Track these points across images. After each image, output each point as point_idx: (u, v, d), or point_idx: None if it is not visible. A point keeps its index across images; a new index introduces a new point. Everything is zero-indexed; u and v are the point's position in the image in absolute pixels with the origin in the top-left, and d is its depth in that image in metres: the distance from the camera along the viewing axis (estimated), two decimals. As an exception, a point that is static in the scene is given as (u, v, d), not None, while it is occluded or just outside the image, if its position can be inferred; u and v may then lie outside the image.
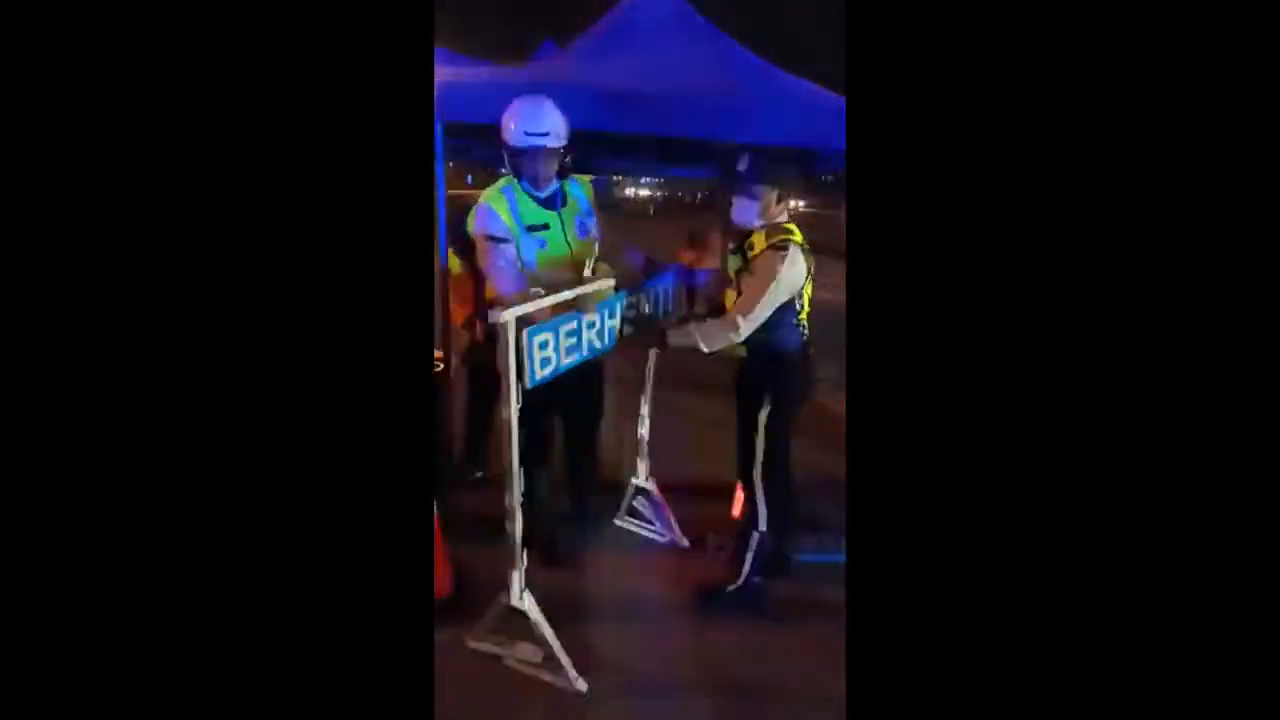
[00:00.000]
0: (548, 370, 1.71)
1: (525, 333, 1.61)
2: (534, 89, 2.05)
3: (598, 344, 1.89)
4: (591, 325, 1.85)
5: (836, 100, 2.74)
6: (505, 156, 2.00)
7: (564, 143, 1.98)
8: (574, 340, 1.80)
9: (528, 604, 1.76)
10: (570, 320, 1.77)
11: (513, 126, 1.93)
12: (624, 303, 1.99)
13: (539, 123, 1.93)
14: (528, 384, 1.64)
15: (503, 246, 1.97)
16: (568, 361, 1.78)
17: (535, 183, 2.01)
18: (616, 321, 1.96)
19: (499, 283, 1.97)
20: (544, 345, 1.69)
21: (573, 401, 2.24)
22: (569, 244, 2.07)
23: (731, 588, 2.10)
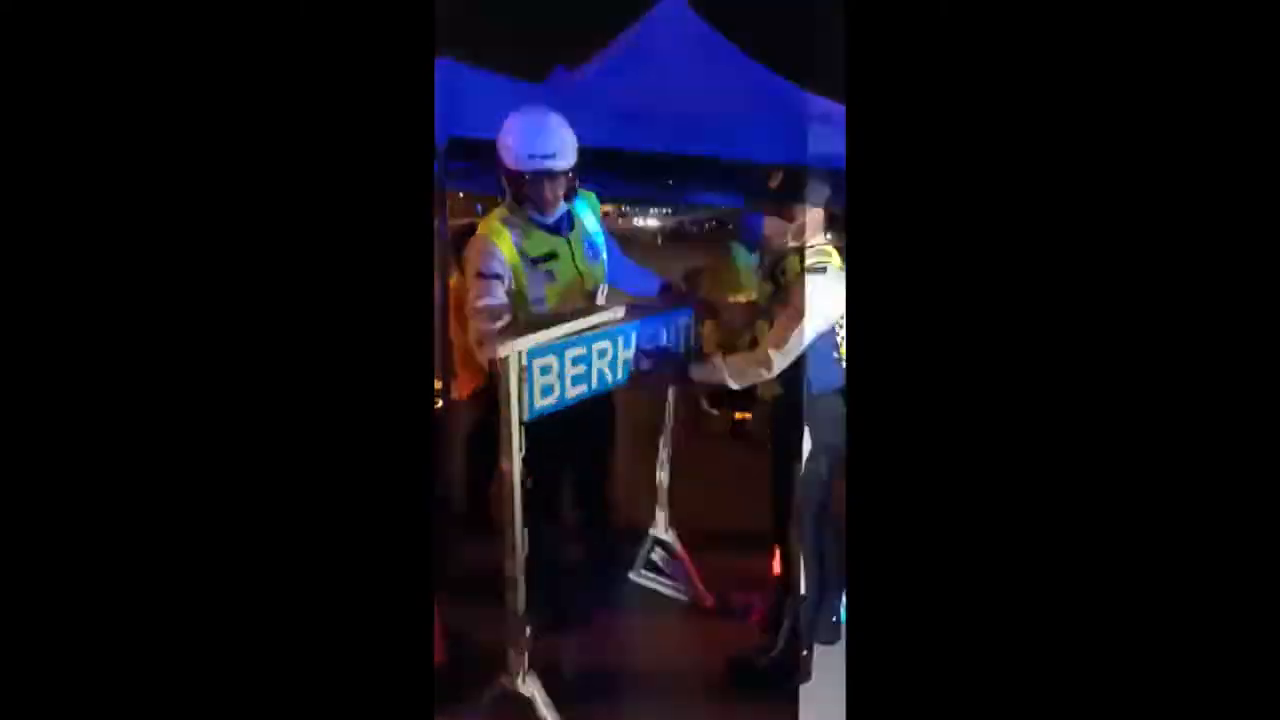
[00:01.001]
0: (550, 400, 1.48)
1: (524, 354, 1.39)
2: (547, 103, 1.81)
3: (609, 376, 1.66)
4: (603, 354, 1.62)
5: None
6: (504, 181, 1.73)
7: (573, 163, 1.72)
8: (582, 369, 1.56)
9: (531, 689, 1.51)
10: (578, 345, 1.54)
11: (513, 146, 1.66)
12: (640, 332, 1.74)
13: (544, 141, 1.66)
14: (526, 415, 1.41)
15: (494, 283, 1.69)
16: (575, 394, 1.55)
17: (542, 209, 1.74)
18: (631, 352, 1.72)
19: (482, 322, 1.66)
20: (546, 370, 1.46)
21: (582, 442, 2.00)
22: (579, 270, 1.83)
23: (767, 659, 1.84)
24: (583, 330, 1.55)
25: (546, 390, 1.48)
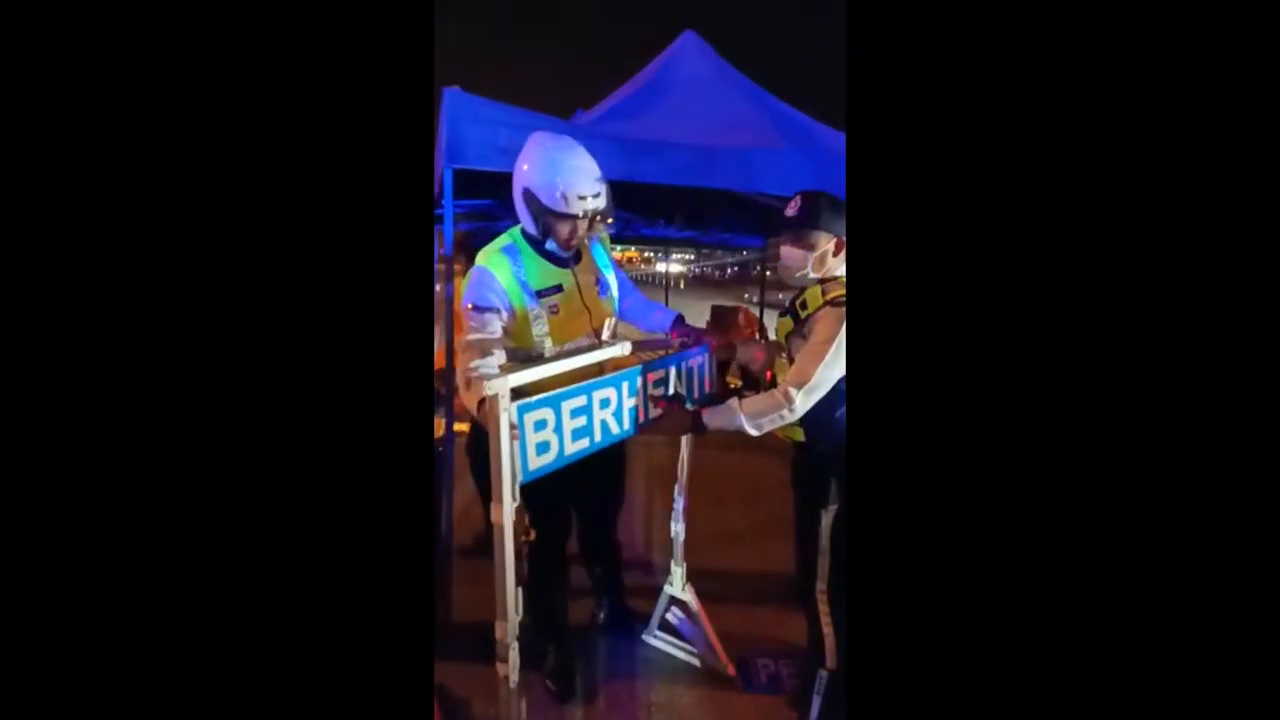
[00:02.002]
0: (547, 459, 1.34)
1: (514, 408, 1.25)
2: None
3: (614, 428, 1.51)
4: (606, 403, 1.47)
5: None
6: (530, 215, 1.64)
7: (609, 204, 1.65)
8: (583, 421, 1.41)
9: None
10: (577, 395, 1.39)
11: (559, 185, 1.57)
12: (645, 377, 1.59)
13: (591, 183, 1.59)
14: (520, 478, 1.27)
15: (488, 316, 1.59)
16: (574, 450, 1.40)
17: (561, 245, 1.67)
18: (637, 400, 1.57)
19: (470, 357, 1.55)
20: (541, 425, 1.31)
21: (587, 491, 1.85)
22: (586, 306, 1.72)
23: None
24: (586, 369, 1.42)
25: (543, 448, 1.33)
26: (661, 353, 1.71)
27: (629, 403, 1.55)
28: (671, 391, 1.69)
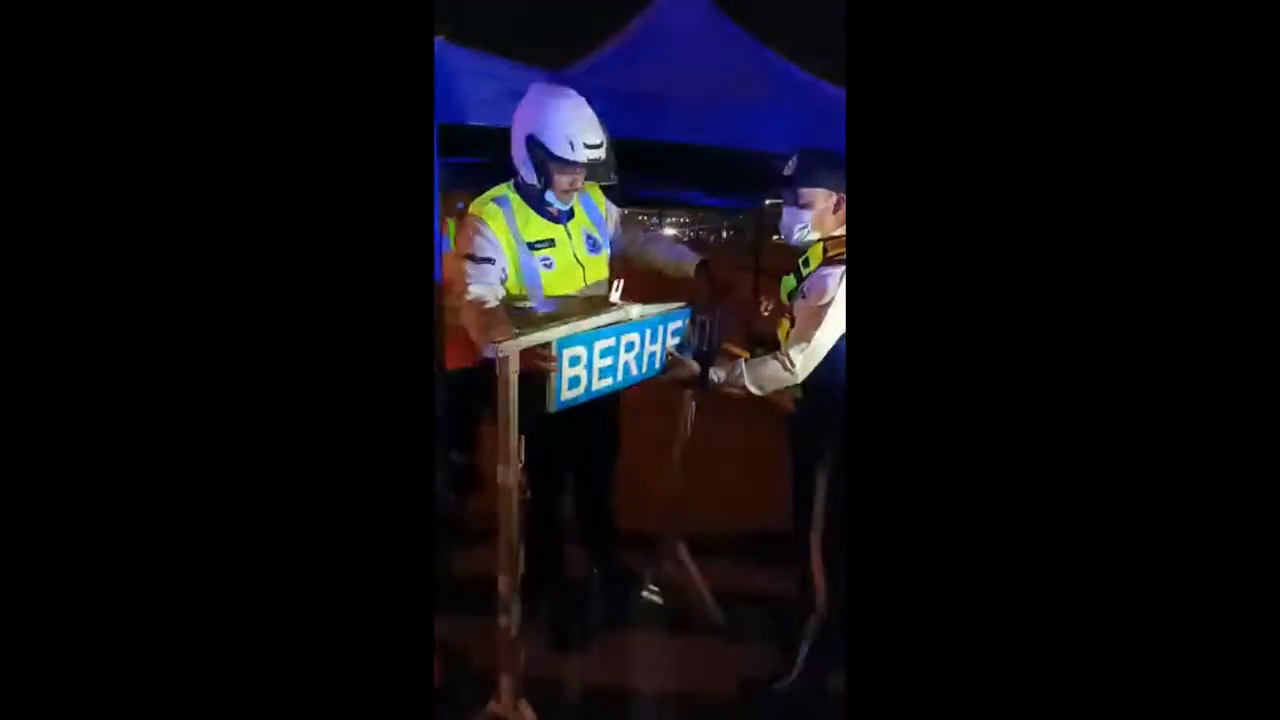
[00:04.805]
0: (577, 392, 1.41)
1: (554, 344, 1.32)
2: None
3: (634, 370, 1.56)
4: (630, 347, 1.53)
5: None
6: (531, 163, 1.60)
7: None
8: (610, 361, 1.47)
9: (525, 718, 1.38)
10: (607, 336, 1.45)
11: (560, 132, 1.55)
12: (666, 326, 1.63)
13: (595, 132, 1.58)
14: (552, 407, 1.34)
15: (485, 268, 1.58)
16: (600, 386, 1.46)
17: (559, 197, 1.65)
18: (658, 346, 1.61)
19: (476, 314, 1.53)
20: (575, 361, 1.39)
21: (585, 445, 1.87)
22: (580, 262, 1.71)
23: (783, 683, 1.69)
24: (599, 327, 1.45)
25: (574, 382, 1.41)
26: (677, 306, 1.72)
27: (650, 348, 1.59)
28: (693, 344, 1.73)
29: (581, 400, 1.44)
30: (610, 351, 1.47)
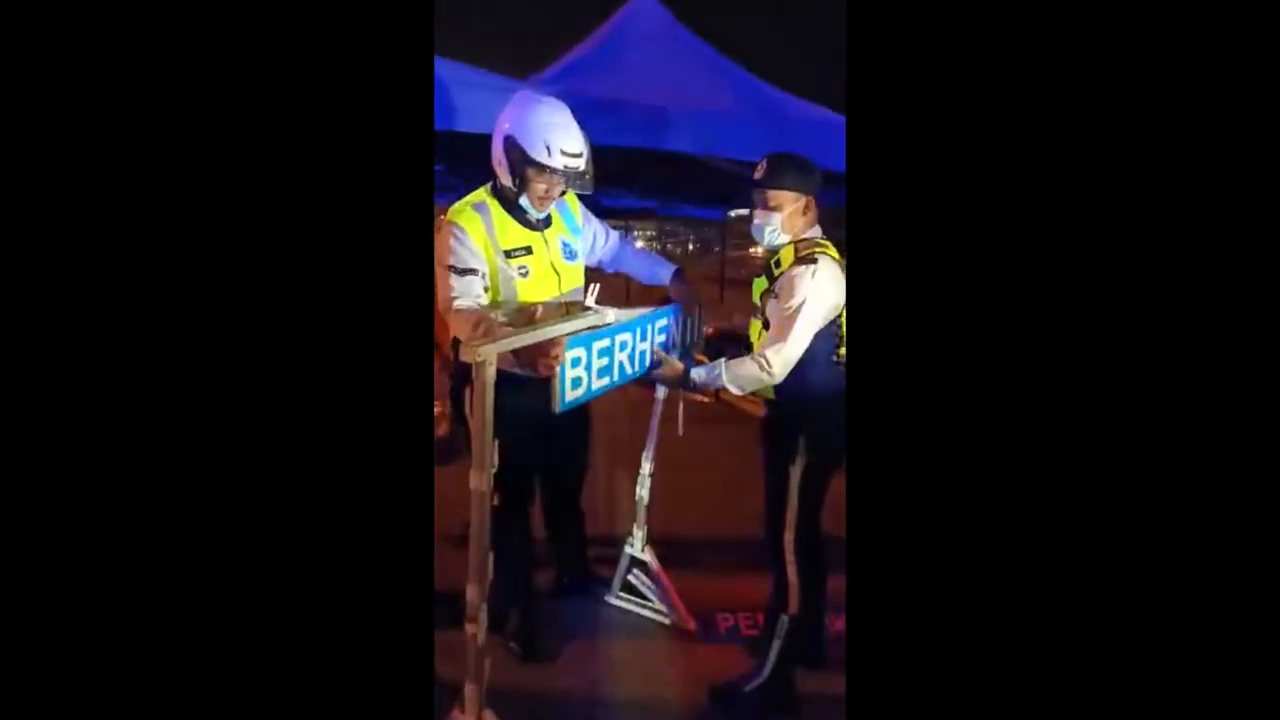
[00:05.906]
0: (579, 393, 1.44)
1: (565, 340, 1.38)
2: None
3: (628, 369, 1.59)
4: (624, 346, 1.56)
5: (837, 119, 2.49)
6: (508, 165, 1.59)
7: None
8: (606, 361, 1.50)
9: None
10: (603, 337, 1.49)
11: (538, 136, 1.55)
12: (660, 323, 1.69)
13: (576, 142, 1.58)
14: (558, 408, 1.36)
15: (468, 279, 1.55)
16: (599, 386, 1.49)
17: (536, 205, 1.64)
18: (648, 344, 1.65)
19: (462, 325, 1.52)
20: (576, 363, 1.42)
21: (556, 453, 1.86)
22: (555, 270, 1.70)
23: (753, 685, 1.69)
24: (577, 332, 1.46)
25: (575, 383, 1.43)
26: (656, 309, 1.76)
27: (640, 346, 1.63)
28: (669, 344, 1.77)
29: (583, 400, 1.46)
30: (606, 352, 1.50)
